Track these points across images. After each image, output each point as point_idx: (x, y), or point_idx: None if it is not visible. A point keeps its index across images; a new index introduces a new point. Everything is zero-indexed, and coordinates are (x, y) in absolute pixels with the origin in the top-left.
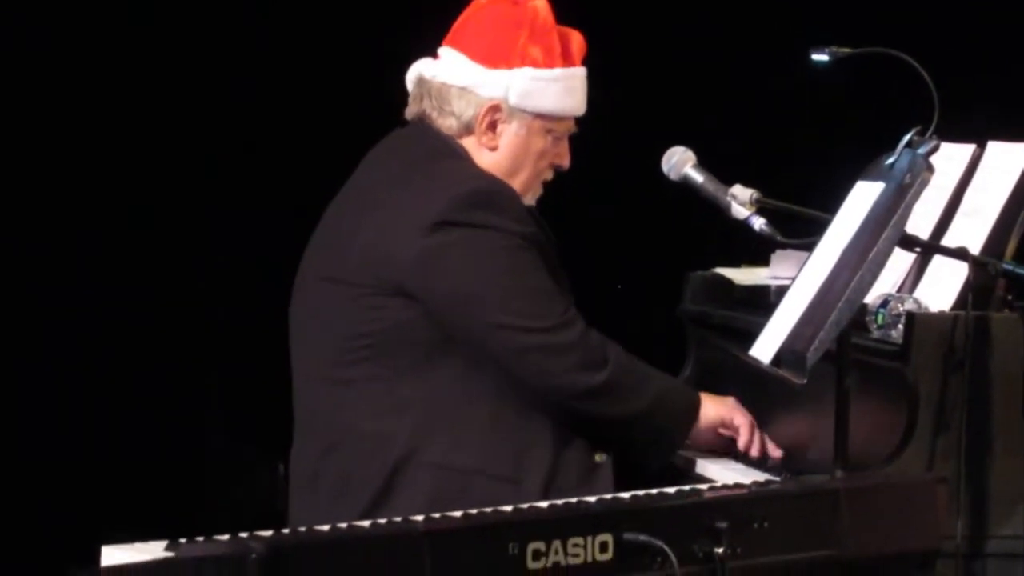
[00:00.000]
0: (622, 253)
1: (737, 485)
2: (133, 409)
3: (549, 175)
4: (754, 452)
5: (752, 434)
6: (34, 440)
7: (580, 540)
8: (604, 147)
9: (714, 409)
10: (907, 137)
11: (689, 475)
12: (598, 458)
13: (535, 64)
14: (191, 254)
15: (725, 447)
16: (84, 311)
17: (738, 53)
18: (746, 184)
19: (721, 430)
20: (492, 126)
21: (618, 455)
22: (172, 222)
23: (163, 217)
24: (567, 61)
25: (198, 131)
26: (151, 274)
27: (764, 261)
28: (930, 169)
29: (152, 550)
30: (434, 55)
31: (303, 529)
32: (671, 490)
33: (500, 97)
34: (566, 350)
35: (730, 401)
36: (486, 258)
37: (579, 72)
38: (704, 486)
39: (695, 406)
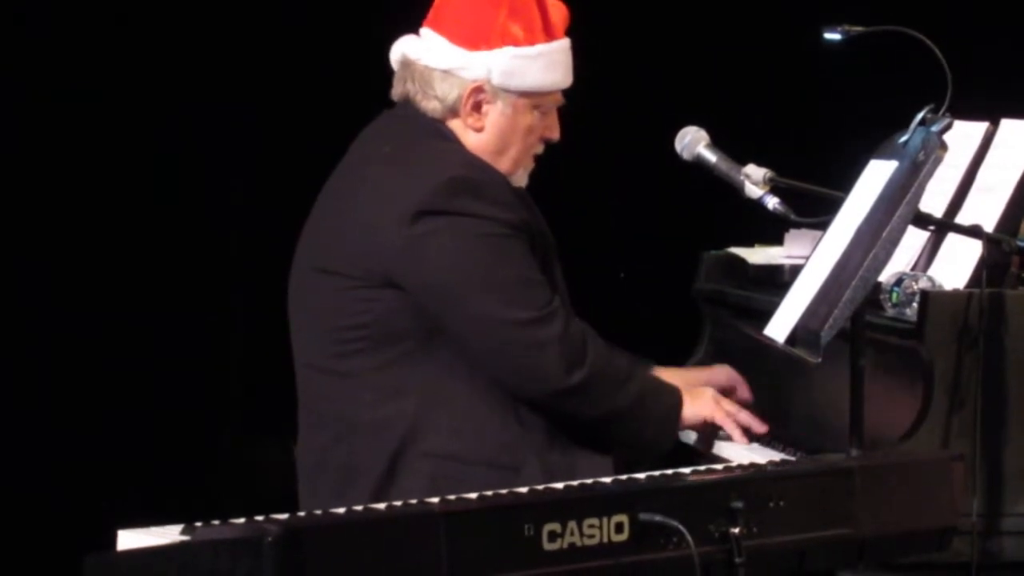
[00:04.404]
0: (635, 233)
1: (752, 465)
2: (148, 395)
3: (540, 149)
4: (741, 440)
5: (735, 427)
6: (52, 426)
7: (596, 521)
8: (617, 128)
9: (692, 410)
10: (920, 115)
11: (704, 455)
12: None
13: (516, 42)
14: (205, 243)
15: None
16: (105, 303)
17: (751, 31)
18: (759, 163)
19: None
20: (477, 107)
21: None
22: (188, 212)
23: (180, 208)
24: (549, 35)
25: (207, 124)
26: (161, 263)
27: (778, 240)
28: (943, 147)
29: (168, 534)
30: (418, 32)
31: (319, 512)
32: (686, 470)
33: (483, 78)
34: (545, 345)
35: (708, 396)
36: (467, 247)
37: (562, 45)
38: (719, 466)
39: (676, 407)
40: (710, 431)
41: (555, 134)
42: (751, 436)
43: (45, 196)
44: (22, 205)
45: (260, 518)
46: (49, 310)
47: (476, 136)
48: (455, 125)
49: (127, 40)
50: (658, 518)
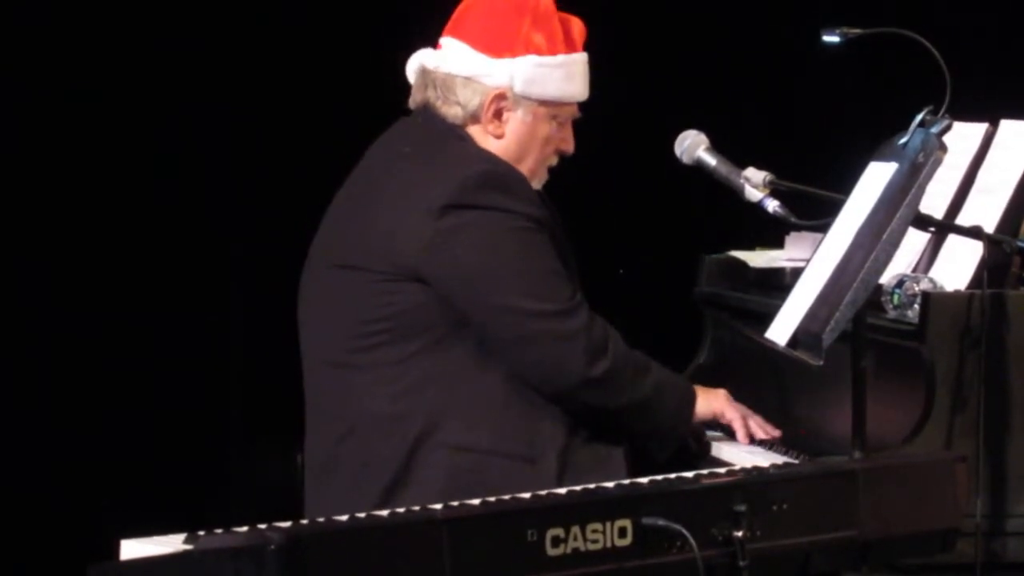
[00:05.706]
0: (636, 237)
1: (755, 468)
2: (151, 403)
3: (554, 161)
4: (743, 440)
5: (745, 425)
6: (54, 434)
7: (599, 526)
8: (618, 132)
9: (706, 404)
10: (919, 116)
11: (706, 459)
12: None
13: (538, 51)
14: (205, 243)
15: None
16: (105, 303)
17: (751, 35)
18: (759, 166)
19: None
20: (498, 114)
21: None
22: (188, 212)
23: (180, 208)
24: (569, 47)
25: (207, 124)
26: (161, 264)
27: (778, 243)
28: (943, 148)
29: (171, 543)
30: (434, 45)
31: (321, 519)
32: (689, 474)
33: (505, 85)
34: (571, 337)
35: (721, 394)
36: (495, 240)
37: (581, 57)
38: (722, 470)
39: (691, 399)
40: (700, 431)
41: (570, 147)
42: (759, 440)
43: (45, 196)
44: (22, 205)
45: (263, 526)
46: (49, 310)
47: (496, 143)
48: (475, 131)
49: (127, 40)
50: (661, 522)
